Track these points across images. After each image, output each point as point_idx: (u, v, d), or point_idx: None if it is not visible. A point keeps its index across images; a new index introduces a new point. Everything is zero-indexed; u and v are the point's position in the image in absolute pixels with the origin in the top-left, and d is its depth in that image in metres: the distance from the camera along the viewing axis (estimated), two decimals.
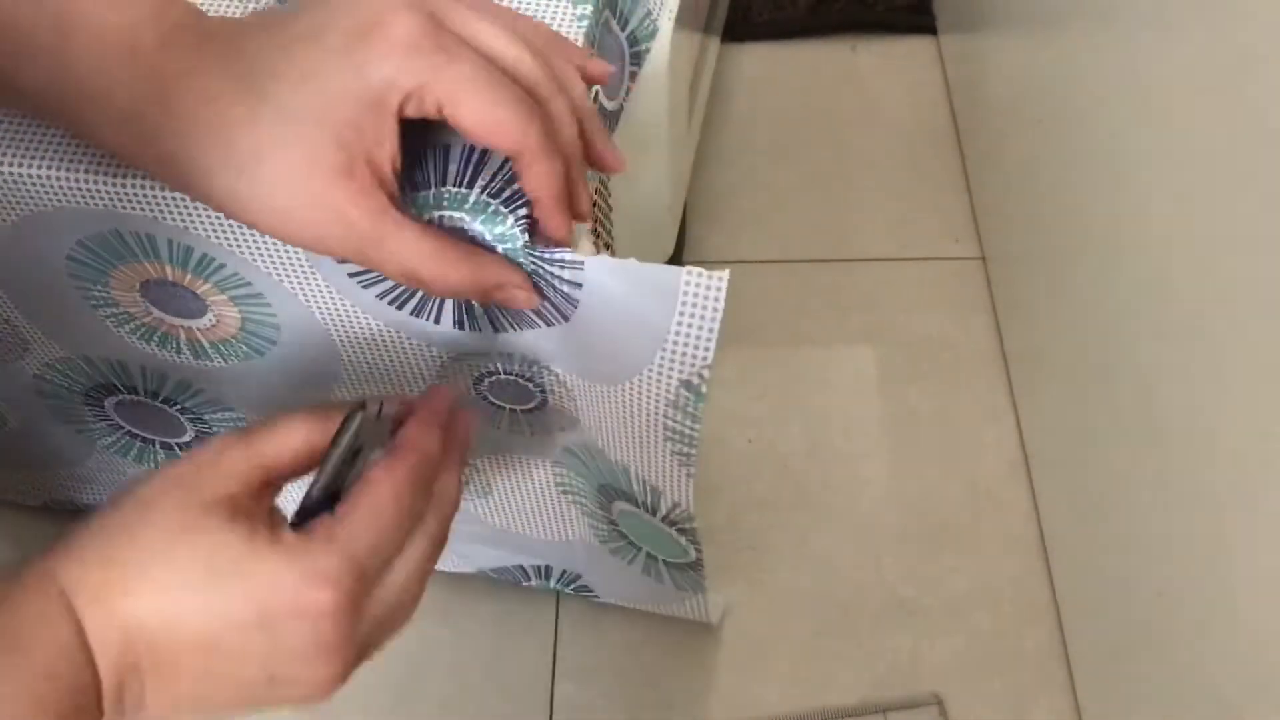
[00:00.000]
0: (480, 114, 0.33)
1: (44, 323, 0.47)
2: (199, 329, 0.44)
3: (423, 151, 0.38)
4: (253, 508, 0.34)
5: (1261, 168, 0.41)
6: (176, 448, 0.55)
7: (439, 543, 0.37)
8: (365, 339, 0.43)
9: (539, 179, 0.34)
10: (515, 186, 0.37)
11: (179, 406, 0.51)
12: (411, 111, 0.33)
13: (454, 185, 0.37)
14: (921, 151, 0.86)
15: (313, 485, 0.35)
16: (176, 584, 0.32)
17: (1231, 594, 0.46)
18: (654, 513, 0.49)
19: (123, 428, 0.54)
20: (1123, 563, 0.57)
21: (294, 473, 0.35)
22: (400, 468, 0.35)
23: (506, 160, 0.37)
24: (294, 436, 0.35)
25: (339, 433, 0.35)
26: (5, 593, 0.31)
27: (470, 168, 0.37)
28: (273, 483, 0.35)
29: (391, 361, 0.44)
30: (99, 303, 0.44)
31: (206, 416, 0.51)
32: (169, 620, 0.31)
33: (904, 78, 0.91)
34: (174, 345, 0.46)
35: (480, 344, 0.41)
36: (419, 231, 0.34)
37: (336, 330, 0.43)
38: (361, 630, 0.34)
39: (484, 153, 0.37)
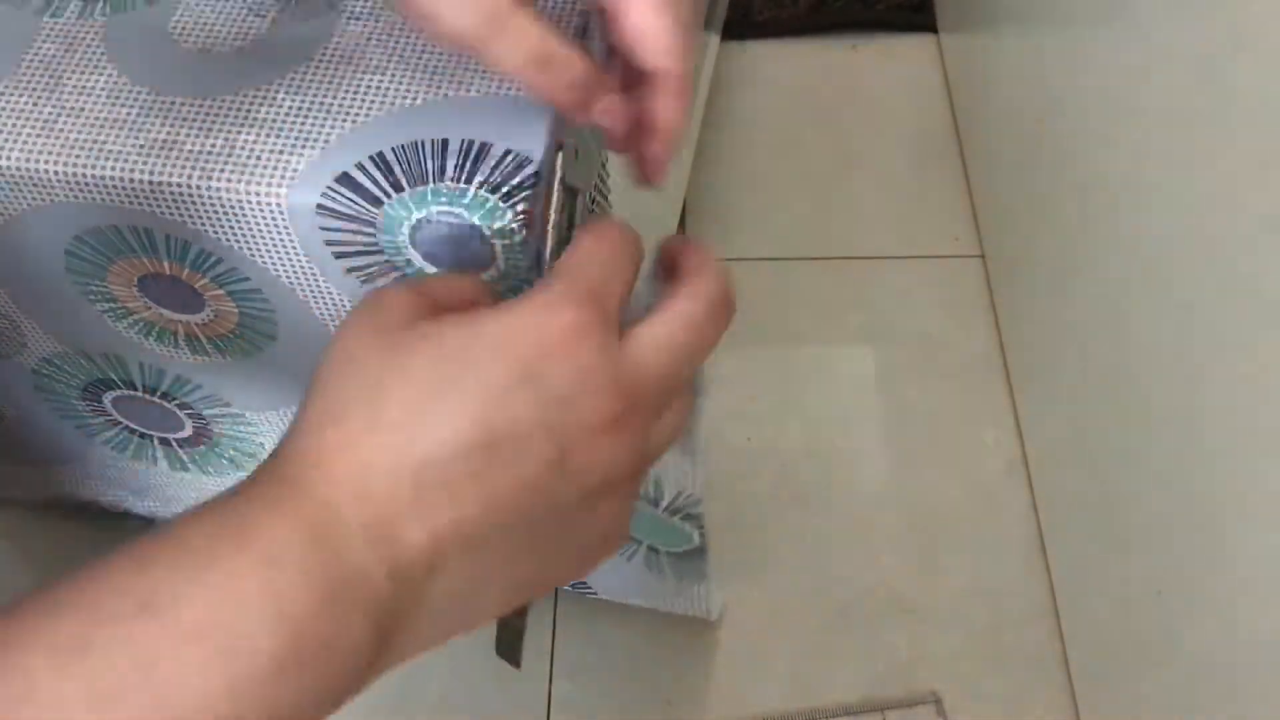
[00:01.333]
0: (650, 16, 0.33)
1: (42, 318, 0.47)
2: (197, 324, 0.44)
3: (420, 146, 0.38)
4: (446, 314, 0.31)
5: (1263, 167, 0.41)
6: (175, 443, 0.55)
7: (710, 301, 0.34)
8: None
9: (677, 111, 0.35)
10: (514, 181, 0.37)
11: (177, 402, 0.51)
12: None
13: (452, 180, 0.37)
14: (921, 150, 0.86)
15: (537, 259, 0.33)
16: (411, 407, 0.28)
17: (1230, 594, 0.46)
18: (656, 505, 0.49)
19: (121, 423, 0.54)
20: (1121, 562, 0.57)
21: (462, 307, 0.32)
22: (593, 224, 0.33)
23: (505, 154, 0.37)
24: (460, 280, 0.34)
25: (550, 175, 0.33)
26: (238, 492, 0.28)
27: (468, 162, 0.37)
28: (443, 315, 0.31)
29: None
30: (97, 298, 0.44)
31: (205, 412, 0.51)
32: (423, 446, 0.28)
33: (904, 76, 0.91)
34: (172, 340, 0.46)
35: None
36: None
37: (334, 325, 0.43)
38: (629, 366, 0.30)
39: (482, 147, 0.37)
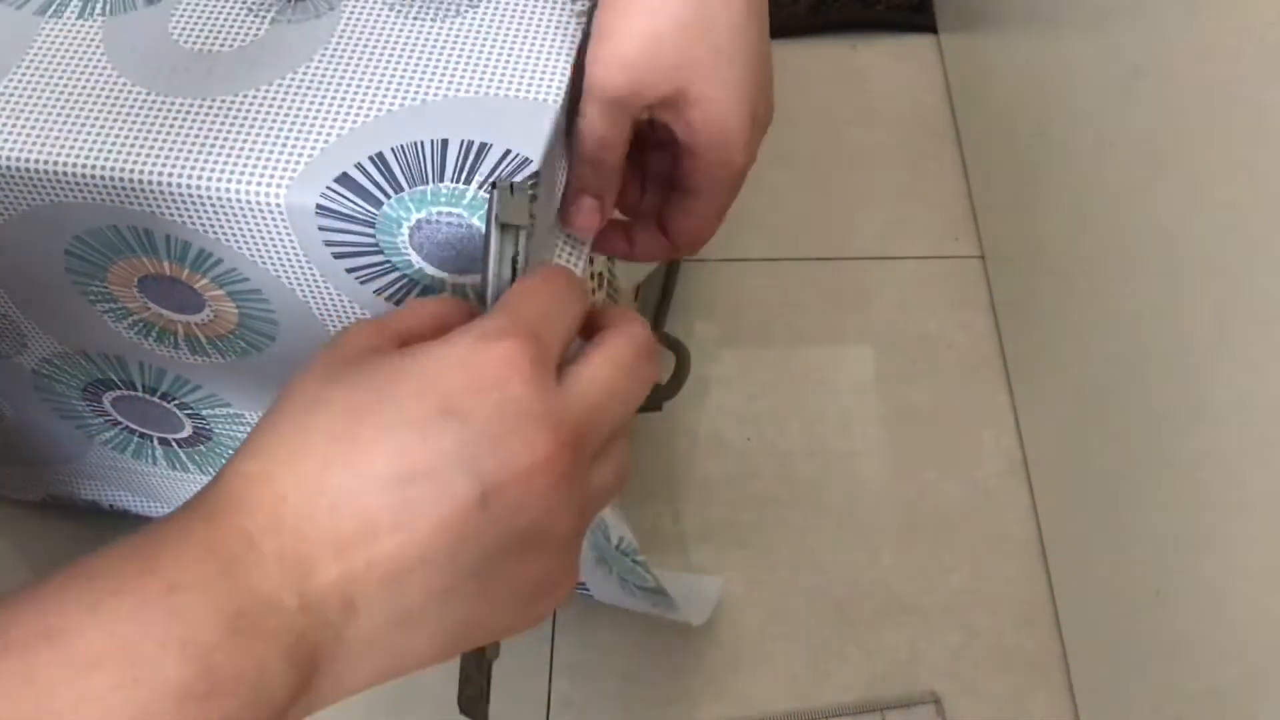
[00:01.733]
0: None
1: (42, 318, 0.47)
2: (197, 324, 0.44)
3: (420, 146, 0.38)
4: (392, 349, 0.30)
5: (1264, 166, 0.41)
6: (175, 443, 0.55)
7: (640, 345, 0.32)
8: None
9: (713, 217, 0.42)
10: (513, 182, 0.37)
11: (177, 401, 0.51)
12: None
13: (451, 181, 0.37)
14: (921, 150, 0.86)
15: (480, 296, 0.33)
16: (329, 438, 0.28)
17: (1230, 595, 0.46)
18: (608, 540, 0.49)
19: (121, 423, 0.54)
20: (1121, 562, 0.57)
21: (430, 335, 0.31)
22: (540, 267, 0.33)
23: (505, 155, 0.37)
24: (427, 305, 0.33)
25: (488, 216, 0.33)
26: (166, 529, 0.27)
27: (468, 163, 0.37)
28: (410, 344, 0.31)
29: None
30: (97, 298, 0.44)
31: (204, 412, 0.51)
32: (338, 478, 0.27)
33: (904, 77, 0.91)
34: (172, 340, 0.46)
35: None
36: None
37: (334, 326, 0.43)
38: (566, 406, 0.29)
39: (482, 147, 0.37)
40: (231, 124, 0.39)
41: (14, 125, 0.39)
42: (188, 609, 0.25)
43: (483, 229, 0.36)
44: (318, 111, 0.39)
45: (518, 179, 0.35)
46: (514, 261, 0.33)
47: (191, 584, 0.26)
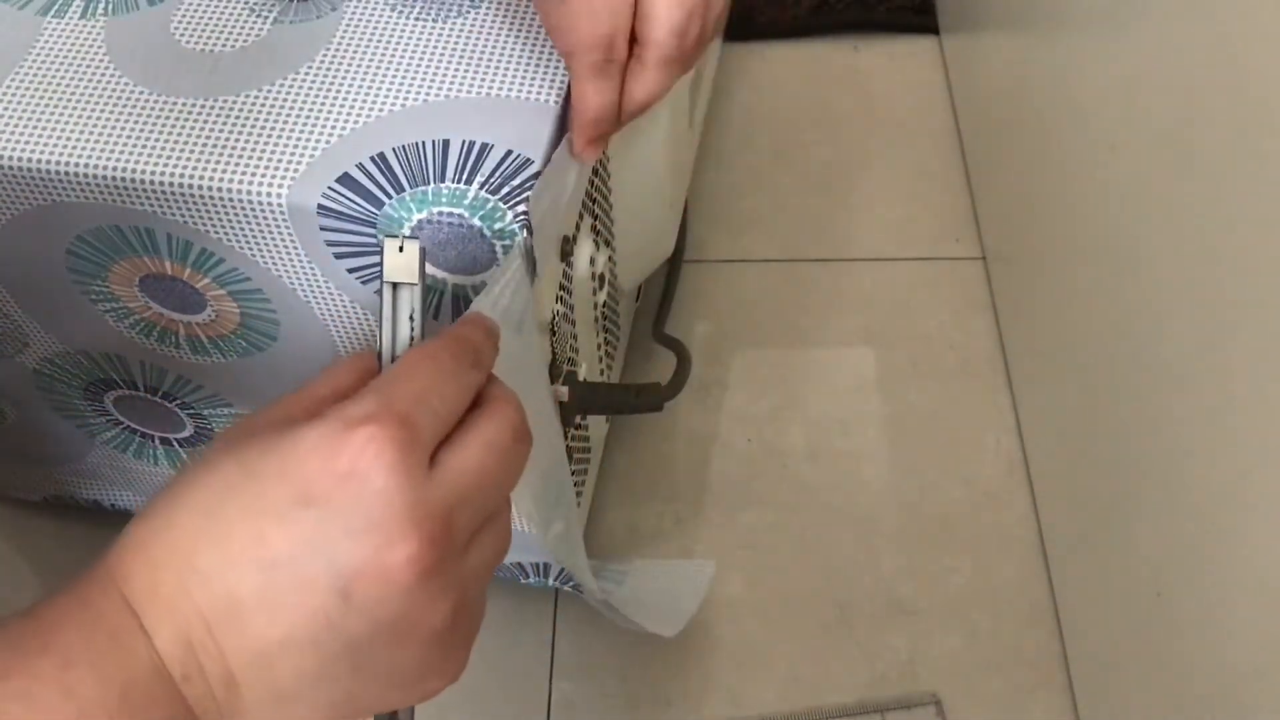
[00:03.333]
0: None
1: (44, 317, 0.47)
2: (198, 324, 0.44)
3: (421, 146, 0.38)
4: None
5: (1264, 166, 0.41)
6: (176, 443, 0.55)
7: (514, 428, 0.31)
8: (363, 334, 0.43)
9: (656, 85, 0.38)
10: (514, 182, 0.37)
11: (178, 401, 0.51)
12: None
13: (453, 181, 0.37)
14: (923, 151, 0.86)
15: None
16: (199, 513, 0.27)
17: (1230, 595, 0.46)
18: (545, 576, 0.49)
19: (122, 422, 0.54)
20: (1122, 563, 0.57)
21: (350, 392, 0.31)
22: (432, 340, 0.32)
23: (506, 155, 0.37)
24: (341, 369, 0.32)
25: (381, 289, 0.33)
26: (66, 604, 0.27)
27: (469, 163, 0.37)
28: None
29: None
30: (98, 297, 0.44)
31: (205, 412, 0.51)
32: (205, 555, 0.27)
33: (906, 78, 0.91)
34: (173, 340, 0.46)
35: None
36: None
37: (335, 326, 0.43)
38: (434, 497, 0.28)
39: (483, 148, 0.37)
40: (233, 124, 0.39)
41: (16, 125, 0.39)
42: (80, 685, 0.25)
43: (483, 229, 0.36)
44: (319, 112, 0.39)
45: (410, 239, 0.33)
46: (410, 319, 0.33)
47: (81, 658, 0.26)
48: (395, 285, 0.33)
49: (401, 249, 0.32)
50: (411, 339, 0.33)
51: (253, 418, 0.30)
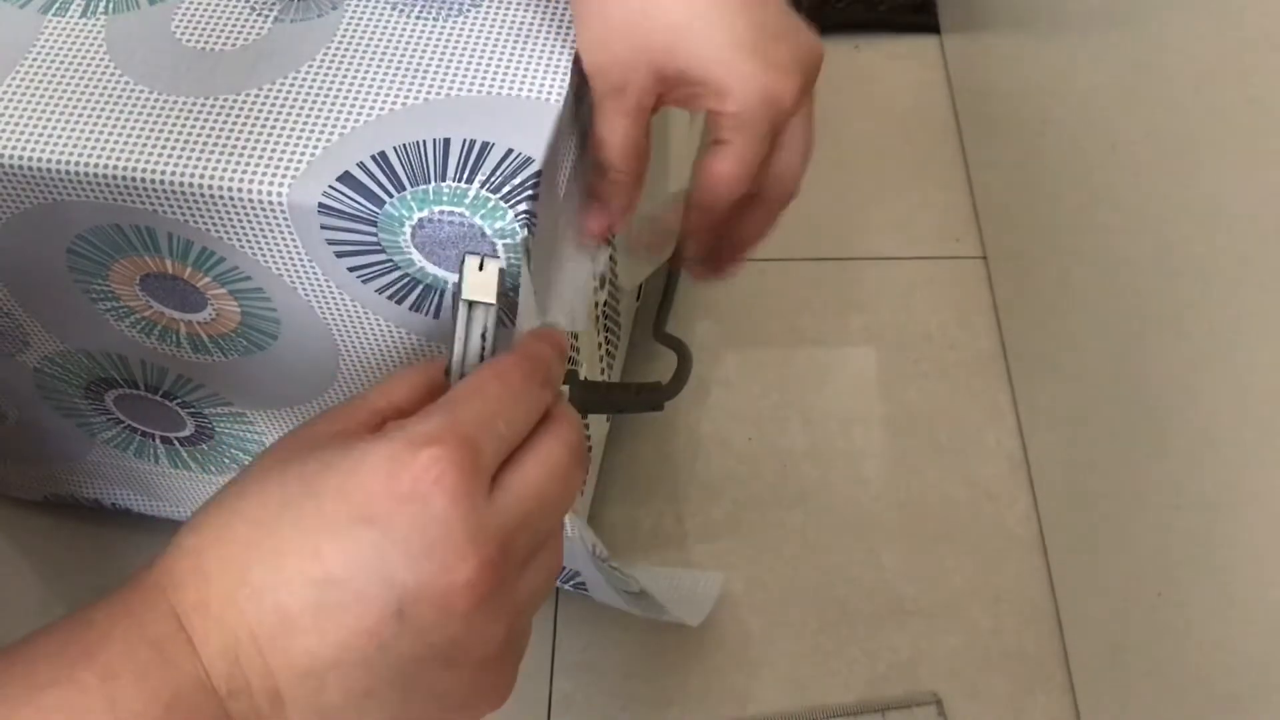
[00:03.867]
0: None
1: (44, 316, 0.47)
2: (199, 323, 0.44)
3: (422, 145, 0.38)
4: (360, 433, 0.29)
5: (1265, 166, 0.41)
6: (176, 442, 0.55)
7: (574, 450, 0.31)
8: (365, 334, 0.43)
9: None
10: (515, 181, 0.37)
11: (179, 401, 0.51)
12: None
13: (454, 180, 0.37)
14: (923, 150, 0.86)
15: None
16: (254, 526, 0.27)
17: (1232, 595, 0.46)
18: (585, 548, 0.49)
19: (123, 421, 0.54)
20: (1123, 563, 0.57)
21: (412, 408, 0.30)
22: (504, 356, 0.31)
23: (506, 154, 0.37)
24: (403, 379, 0.32)
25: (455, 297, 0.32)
26: (112, 611, 0.27)
27: (470, 162, 0.37)
28: (390, 420, 0.30)
29: (391, 357, 0.44)
30: (99, 296, 0.44)
31: (206, 411, 0.51)
32: (259, 570, 0.26)
33: (907, 77, 0.91)
34: (174, 339, 0.46)
35: None
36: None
37: (336, 325, 0.43)
38: (494, 521, 0.27)
39: (484, 146, 0.37)
40: (234, 122, 0.39)
41: (16, 123, 0.39)
42: (123, 697, 0.25)
43: (484, 229, 0.36)
44: (320, 110, 0.39)
45: (491, 258, 0.33)
46: (482, 336, 0.33)
47: (126, 669, 0.25)
48: (471, 303, 0.32)
49: (481, 267, 0.32)
50: (482, 356, 0.33)
51: (308, 428, 0.30)
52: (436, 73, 0.40)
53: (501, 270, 0.33)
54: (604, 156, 0.39)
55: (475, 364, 0.32)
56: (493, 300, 0.32)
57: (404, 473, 0.27)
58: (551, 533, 0.31)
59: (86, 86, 0.40)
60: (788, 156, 0.42)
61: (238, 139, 0.39)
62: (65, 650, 0.26)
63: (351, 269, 0.39)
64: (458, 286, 0.33)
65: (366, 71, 0.40)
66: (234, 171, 0.38)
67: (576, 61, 0.40)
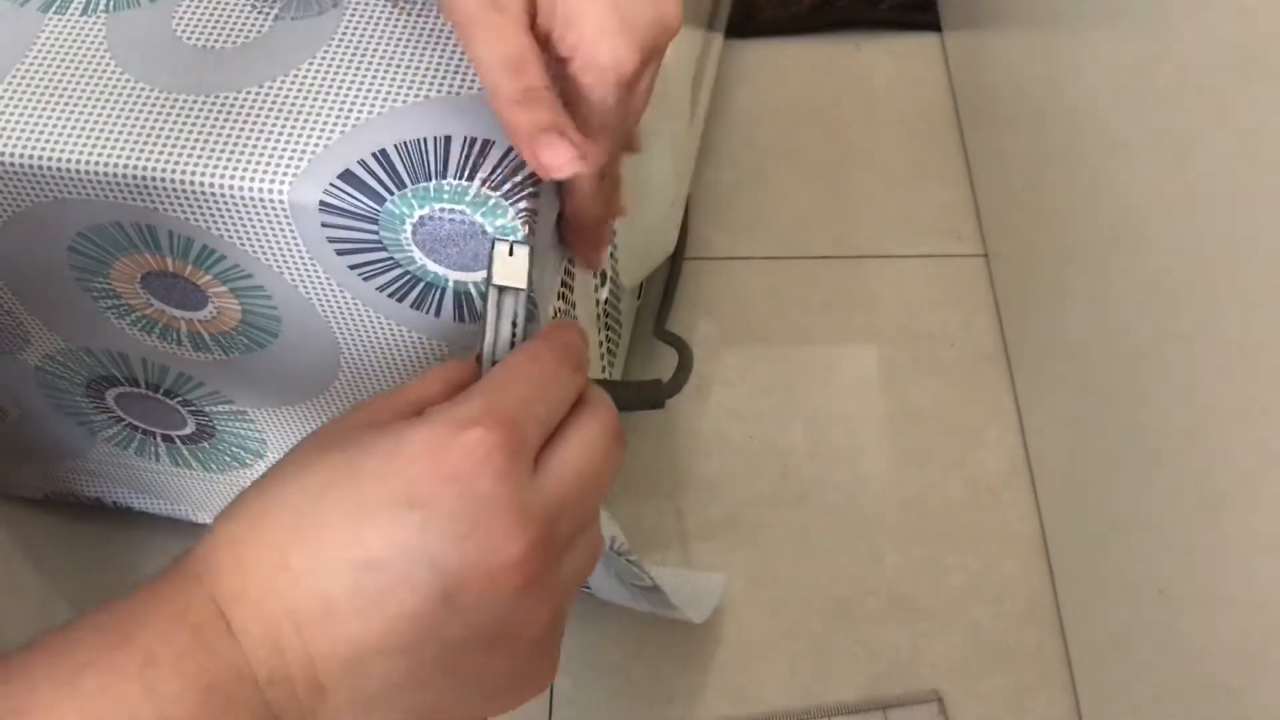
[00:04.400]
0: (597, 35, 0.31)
1: (45, 314, 0.47)
2: (200, 321, 0.44)
3: (423, 143, 0.38)
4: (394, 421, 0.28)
5: (1268, 163, 0.41)
6: (177, 440, 0.55)
7: (613, 431, 0.30)
8: (365, 332, 0.43)
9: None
10: (516, 179, 0.37)
11: (180, 399, 0.51)
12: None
13: (454, 177, 0.37)
14: (924, 149, 0.86)
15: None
16: (294, 512, 0.27)
17: (1233, 593, 0.46)
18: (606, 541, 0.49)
19: (124, 420, 0.54)
20: (1124, 561, 0.57)
21: (439, 401, 0.30)
22: (534, 341, 0.31)
23: (508, 152, 0.37)
24: (436, 374, 0.32)
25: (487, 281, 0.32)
26: (146, 600, 0.26)
27: (471, 160, 0.37)
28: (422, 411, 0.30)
29: (392, 355, 0.44)
30: (100, 294, 0.44)
31: (207, 409, 0.51)
32: (299, 554, 0.26)
33: (907, 75, 0.91)
34: (175, 337, 0.46)
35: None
36: None
37: (337, 323, 0.43)
38: (539, 502, 0.27)
39: (485, 144, 0.37)
40: (235, 120, 0.39)
41: (17, 122, 0.39)
42: (161, 683, 0.25)
43: (485, 226, 0.36)
44: (321, 108, 0.39)
45: (516, 240, 0.33)
46: (513, 323, 0.33)
47: (164, 656, 0.25)
48: (501, 289, 0.32)
49: (511, 253, 0.32)
50: (513, 342, 0.33)
51: (346, 417, 0.30)
52: (437, 70, 0.40)
53: (531, 253, 0.32)
54: (491, 81, 0.34)
55: (506, 351, 0.33)
56: (524, 285, 0.33)
57: (448, 454, 0.26)
58: (592, 515, 0.31)
59: (87, 85, 0.40)
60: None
61: (239, 137, 0.39)
62: (103, 637, 0.26)
63: (352, 266, 0.39)
64: (488, 273, 0.33)
65: (367, 69, 0.40)
66: (235, 169, 0.38)
67: None
